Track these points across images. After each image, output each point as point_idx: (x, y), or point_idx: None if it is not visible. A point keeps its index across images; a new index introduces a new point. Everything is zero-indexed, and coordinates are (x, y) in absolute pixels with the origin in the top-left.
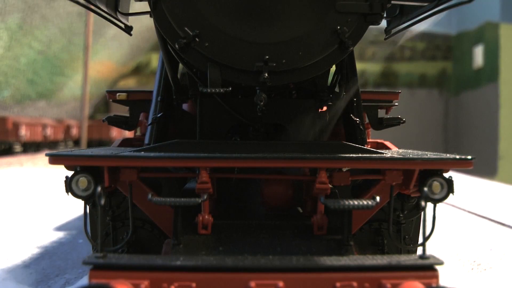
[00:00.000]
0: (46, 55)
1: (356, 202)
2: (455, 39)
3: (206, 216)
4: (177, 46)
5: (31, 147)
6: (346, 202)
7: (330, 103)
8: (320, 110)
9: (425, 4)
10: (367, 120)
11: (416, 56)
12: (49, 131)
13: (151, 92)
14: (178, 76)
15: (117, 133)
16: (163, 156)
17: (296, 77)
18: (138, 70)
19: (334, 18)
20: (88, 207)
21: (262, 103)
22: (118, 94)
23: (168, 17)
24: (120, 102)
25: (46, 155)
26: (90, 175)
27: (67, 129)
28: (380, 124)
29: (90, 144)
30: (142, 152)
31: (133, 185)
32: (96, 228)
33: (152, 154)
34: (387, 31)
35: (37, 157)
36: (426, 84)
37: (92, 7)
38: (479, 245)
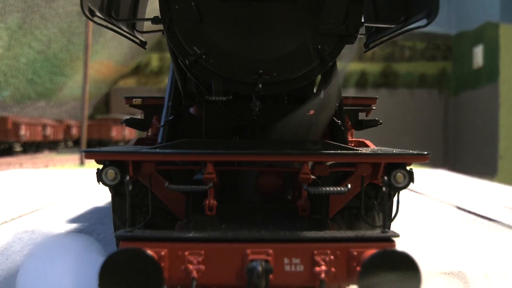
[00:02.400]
0: (46, 55)
1: (331, 189)
2: (455, 39)
3: (212, 201)
4: (187, 61)
5: (31, 147)
6: (323, 189)
7: (316, 108)
8: (307, 113)
9: (393, 26)
10: (350, 122)
11: (416, 56)
12: (49, 131)
13: (161, 98)
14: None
15: (116, 133)
16: (176, 152)
17: (285, 87)
18: (138, 70)
19: (316, 39)
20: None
21: (257, 109)
22: (134, 99)
23: (179, 37)
24: (136, 106)
25: (81, 151)
26: (117, 167)
27: (67, 129)
28: (360, 125)
29: (90, 144)
30: (158, 149)
31: (151, 176)
32: (116, 212)
33: (167, 150)
34: (365, 45)
35: (37, 156)
36: (426, 84)
37: (116, 28)
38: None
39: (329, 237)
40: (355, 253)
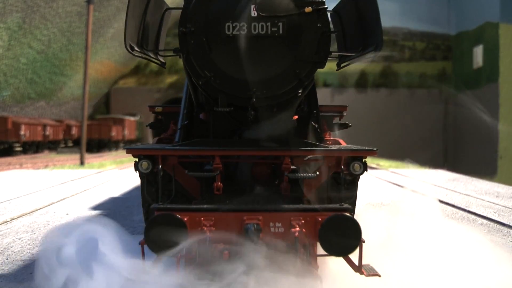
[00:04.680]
0: (46, 55)
1: (303, 174)
2: (455, 39)
3: (219, 184)
4: (200, 82)
5: (31, 147)
6: (298, 174)
7: (298, 114)
8: (291, 119)
9: (353, 54)
10: (326, 125)
11: (416, 56)
12: (49, 131)
13: (177, 106)
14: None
15: (116, 133)
16: (193, 148)
17: (272, 100)
18: (137, 70)
19: (295, 65)
20: (144, 181)
21: (252, 116)
22: (156, 108)
23: (194, 64)
24: (158, 113)
25: (124, 147)
26: (149, 160)
27: (67, 129)
28: (334, 128)
29: (90, 144)
30: (178, 147)
31: (175, 167)
32: (146, 196)
33: (186, 147)
34: (338, 65)
35: (37, 156)
36: (426, 84)
37: (144, 55)
38: None
39: (302, 208)
40: (319, 219)
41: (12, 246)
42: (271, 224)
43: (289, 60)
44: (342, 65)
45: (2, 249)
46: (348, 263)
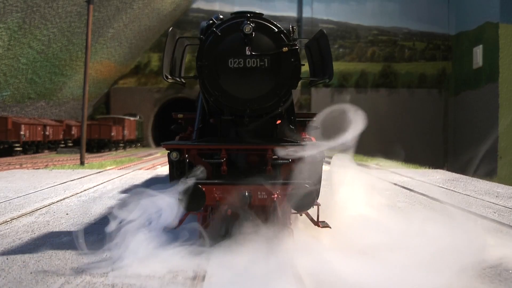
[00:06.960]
0: (46, 55)
1: (280, 161)
2: (455, 39)
3: (224, 167)
4: (211, 98)
5: (31, 147)
6: (278, 161)
7: (281, 119)
8: (276, 123)
9: (315, 79)
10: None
11: (416, 56)
12: (49, 131)
13: (194, 113)
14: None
15: (116, 133)
16: (208, 144)
17: (261, 111)
18: (138, 70)
19: (276, 87)
20: (173, 167)
21: (247, 122)
22: (178, 115)
23: (207, 86)
24: (179, 119)
25: (162, 143)
26: (178, 151)
27: (67, 129)
28: (307, 129)
29: (90, 144)
30: (196, 143)
31: (195, 156)
32: (174, 175)
33: (203, 143)
34: (310, 84)
35: (37, 156)
36: (426, 84)
37: (173, 80)
38: None
39: (279, 182)
40: (290, 189)
41: (12, 246)
42: (259, 193)
43: (272, 84)
44: (312, 84)
45: (2, 249)
46: (310, 220)
